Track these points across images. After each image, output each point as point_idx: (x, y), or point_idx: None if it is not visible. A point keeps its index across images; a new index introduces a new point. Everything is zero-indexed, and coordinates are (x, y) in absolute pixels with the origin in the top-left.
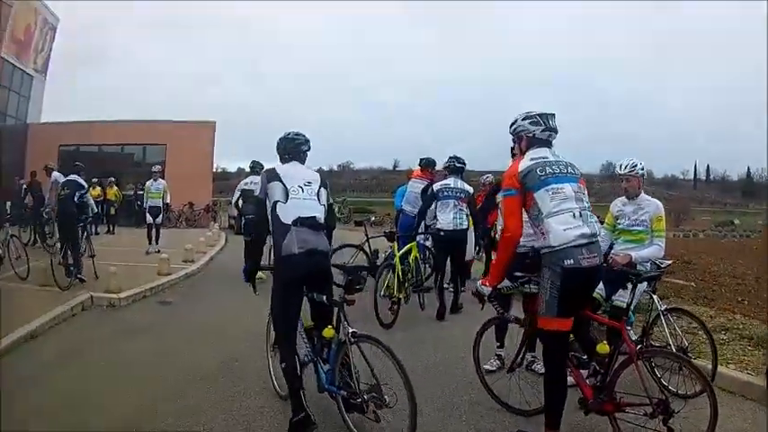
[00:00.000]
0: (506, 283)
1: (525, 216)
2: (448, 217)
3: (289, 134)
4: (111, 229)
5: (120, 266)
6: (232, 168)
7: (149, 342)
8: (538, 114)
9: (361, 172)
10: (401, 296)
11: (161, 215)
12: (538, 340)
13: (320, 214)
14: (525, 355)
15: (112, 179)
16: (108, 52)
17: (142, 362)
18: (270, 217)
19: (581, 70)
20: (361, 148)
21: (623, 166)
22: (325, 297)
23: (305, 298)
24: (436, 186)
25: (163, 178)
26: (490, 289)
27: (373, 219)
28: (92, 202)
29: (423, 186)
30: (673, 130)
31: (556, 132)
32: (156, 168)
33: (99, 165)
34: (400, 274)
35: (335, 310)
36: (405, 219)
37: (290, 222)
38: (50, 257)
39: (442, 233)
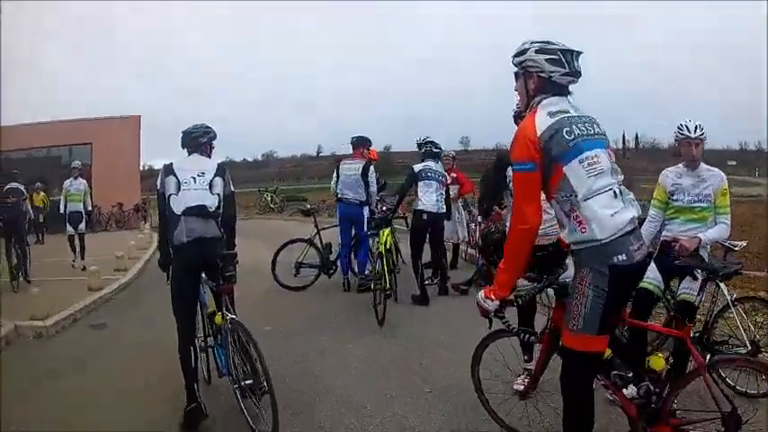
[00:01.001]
0: (523, 284)
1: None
2: (431, 198)
3: (188, 128)
4: (41, 238)
5: (47, 283)
6: (158, 165)
7: (80, 383)
8: (560, 50)
9: (285, 160)
10: (390, 287)
11: (83, 222)
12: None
13: (210, 203)
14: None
15: (39, 184)
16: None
17: (72, 410)
18: (166, 210)
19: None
20: (284, 137)
21: (693, 129)
22: (215, 284)
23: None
24: (417, 167)
25: (83, 177)
26: (497, 303)
27: (309, 206)
28: (29, 209)
29: (361, 167)
30: (596, 99)
31: (579, 77)
32: (76, 164)
33: (28, 170)
34: (386, 264)
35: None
36: (343, 207)
37: (179, 213)
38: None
39: (425, 216)
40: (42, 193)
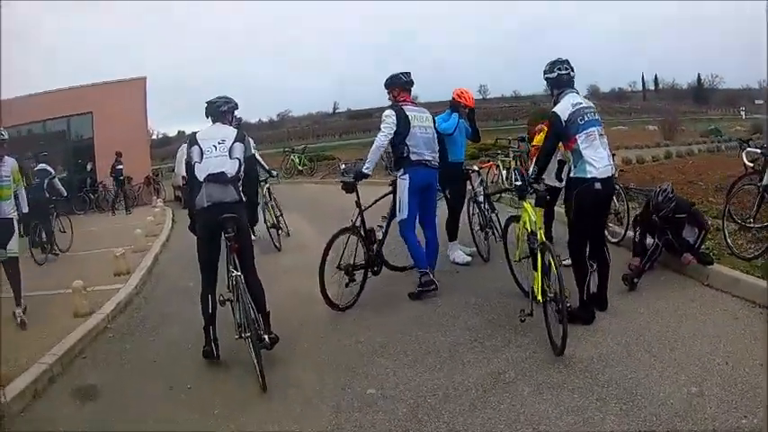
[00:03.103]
0: None
1: None
2: (602, 155)
3: (210, 99)
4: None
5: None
6: (172, 132)
7: None
8: None
9: (301, 119)
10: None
11: (14, 236)
12: None
13: (230, 168)
14: None
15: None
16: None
17: None
18: (191, 177)
19: None
20: (298, 96)
21: None
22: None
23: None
24: (562, 110)
25: (10, 155)
26: None
27: (344, 167)
28: (59, 186)
29: (431, 117)
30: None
31: None
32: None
33: (30, 147)
34: (554, 259)
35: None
36: (421, 172)
37: (202, 179)
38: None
39: (597, 185)
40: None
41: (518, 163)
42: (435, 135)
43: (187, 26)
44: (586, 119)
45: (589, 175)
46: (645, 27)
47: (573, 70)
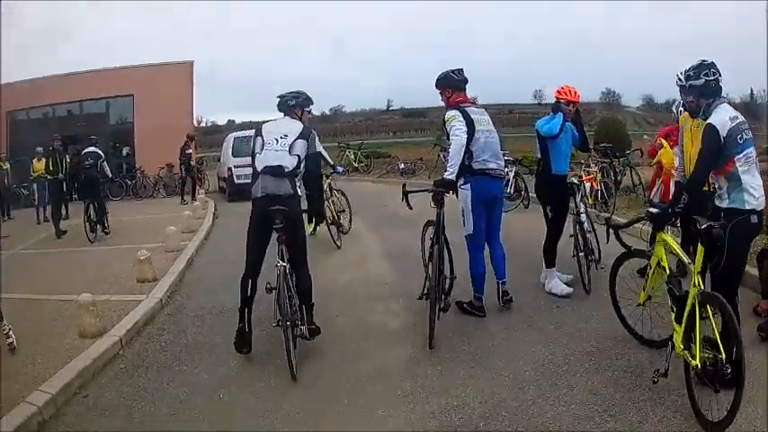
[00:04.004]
0: None
1: None
2: (759, 183)
3: (281, 93)
4: (42, 216)
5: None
6: (222, 121)
7: None
8: None
9: (354, 114)
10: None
11: None
12: None
13: (288, 163)
14: None
15: (39, 149)
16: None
17: None
18: (253, 166)
19: None
20: (352, 91)
21: None
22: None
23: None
24: (725, 123)
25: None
26: None
27: (403, 166)
28: (107, 169)
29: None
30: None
31: None
32: None
33: (66, 130)
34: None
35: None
36: (486, 183)
37: (260, 170)
38: (83, 217)
39: (754, 217)
40: (44, 160)
41: (604, 175)
42: (499, 140)
43: (247, 17)
44: (745, 137)
45: (747, 206)
46: (701, 38)
47: (721, 74)
